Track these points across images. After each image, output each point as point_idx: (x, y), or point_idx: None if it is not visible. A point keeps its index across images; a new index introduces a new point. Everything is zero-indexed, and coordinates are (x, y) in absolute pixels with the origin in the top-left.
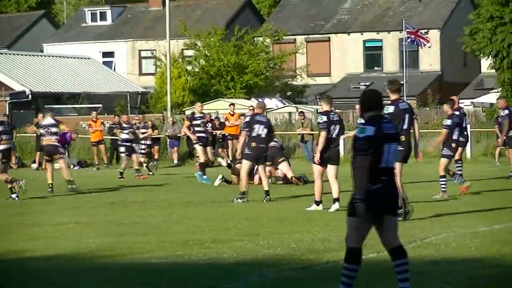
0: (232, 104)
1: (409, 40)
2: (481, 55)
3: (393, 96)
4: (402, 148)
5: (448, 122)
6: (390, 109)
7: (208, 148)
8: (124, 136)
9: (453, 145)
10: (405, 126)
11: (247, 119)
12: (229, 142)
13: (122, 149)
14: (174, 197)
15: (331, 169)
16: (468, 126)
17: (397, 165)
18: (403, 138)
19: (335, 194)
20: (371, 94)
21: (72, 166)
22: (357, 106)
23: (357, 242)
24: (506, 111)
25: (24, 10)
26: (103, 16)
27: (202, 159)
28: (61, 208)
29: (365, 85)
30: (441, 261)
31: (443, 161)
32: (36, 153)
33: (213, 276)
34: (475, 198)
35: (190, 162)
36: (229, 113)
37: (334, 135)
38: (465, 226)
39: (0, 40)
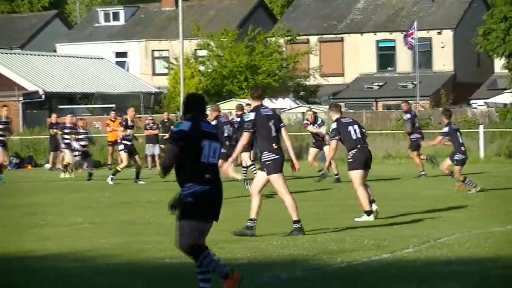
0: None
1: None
2: (494, 55)
3: (254, 103)
4: (278, 157)
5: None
6: (251, 115)
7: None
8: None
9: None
10: (273, 134)
11: (214, 123)
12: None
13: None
14: None
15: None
16: (481, 126)
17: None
18: (274, 146)
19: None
20: (193, 98)
21: (85, 166)
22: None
23: (191, 245)
24: None
25: (37, 10)
26: (116, 16)
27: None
28: (75, 208)
29: (378, 85)
30: (454, 261)
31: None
32: (50, 153)
33: None
34: (489, 199)
35: None
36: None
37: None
38: (479, 227)
39: (13, 40)
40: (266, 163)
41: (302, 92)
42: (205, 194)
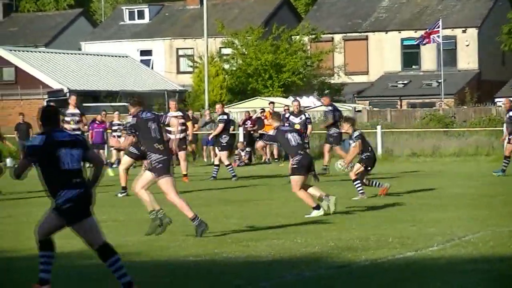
0: (272, 102)
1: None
2: None
3: (133, 109)
4: (165, 157)
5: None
6: (132, 121)
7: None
8: None
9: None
10: (153, 135)
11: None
12: None
13: None
14: (212, 195)
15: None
16: (505, 125)
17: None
18: (157, 146)
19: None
20: (48, 112)
21: (111, 165)
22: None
23: (44, 236)
24: None
25: (63, 9)
26: (141, 15)
27: None
28: (99, 206)
29: (402, 83)
30: (479, 259)
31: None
32: None
33: (250, 274)
34: None
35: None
36: (269, 111)
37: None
38: (503, 225)
39: (38, 38)
40: (156, 166)
41: (327, 91)
42: (79, 196)
